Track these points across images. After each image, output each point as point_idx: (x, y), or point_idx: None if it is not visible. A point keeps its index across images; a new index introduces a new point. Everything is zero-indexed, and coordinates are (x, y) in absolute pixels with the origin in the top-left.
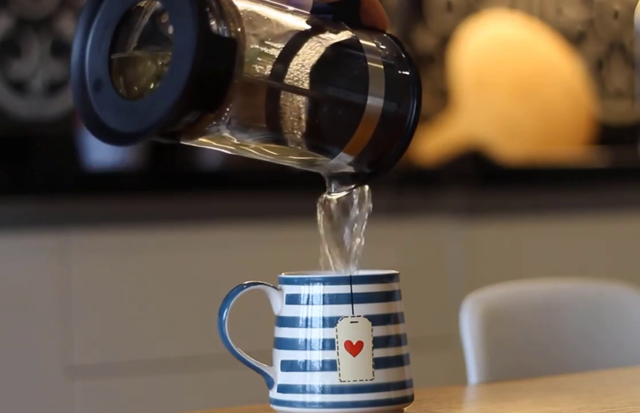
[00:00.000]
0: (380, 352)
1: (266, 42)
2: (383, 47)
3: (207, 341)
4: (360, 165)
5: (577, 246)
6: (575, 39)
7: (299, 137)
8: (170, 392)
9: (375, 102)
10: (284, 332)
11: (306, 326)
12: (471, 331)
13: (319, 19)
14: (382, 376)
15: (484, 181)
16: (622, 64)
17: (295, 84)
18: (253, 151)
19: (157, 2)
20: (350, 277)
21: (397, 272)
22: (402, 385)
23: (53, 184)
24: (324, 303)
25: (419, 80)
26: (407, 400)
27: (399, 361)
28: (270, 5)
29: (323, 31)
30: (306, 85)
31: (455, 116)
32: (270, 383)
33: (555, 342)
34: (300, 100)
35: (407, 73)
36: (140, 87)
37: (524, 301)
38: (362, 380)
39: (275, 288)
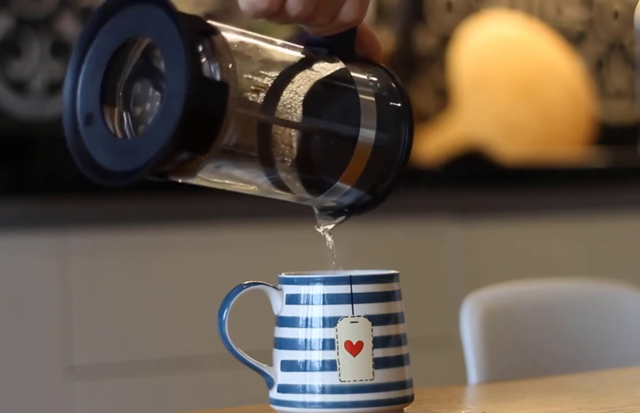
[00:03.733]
0: (380, 352)
1: (258, 77)
2: (374, 79)
3: (207, 341)
4: (351, 199)
5: (576, 246)
6: (575, 39)
7: (290, 171)
8: (170, 392)
9: (367, 134)
10: (284, 332)
11: (306, 326)
12: (471, 331)
13: (312, 52)
14: (382, 376)
15: (484, 181)
16: (622, 64)
17: (286, 118)
18: (244, 188)
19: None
20: (350, 277)
21: (397, 272)
22: (402, 385)
23: (53, 184)
24: (323, 303)
25: (410, 111)
26: (407, 400)
27: (399, 361)
28: (263, 39)
29: (315, 64)
30: (297, 120)
31: (455, 116)
32: (270, 383)
33: (555, 341)
34: (292, 135)
35: (399, 105)
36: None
37: (523, 301)
38: (362, 380)
39: (275, 288)
